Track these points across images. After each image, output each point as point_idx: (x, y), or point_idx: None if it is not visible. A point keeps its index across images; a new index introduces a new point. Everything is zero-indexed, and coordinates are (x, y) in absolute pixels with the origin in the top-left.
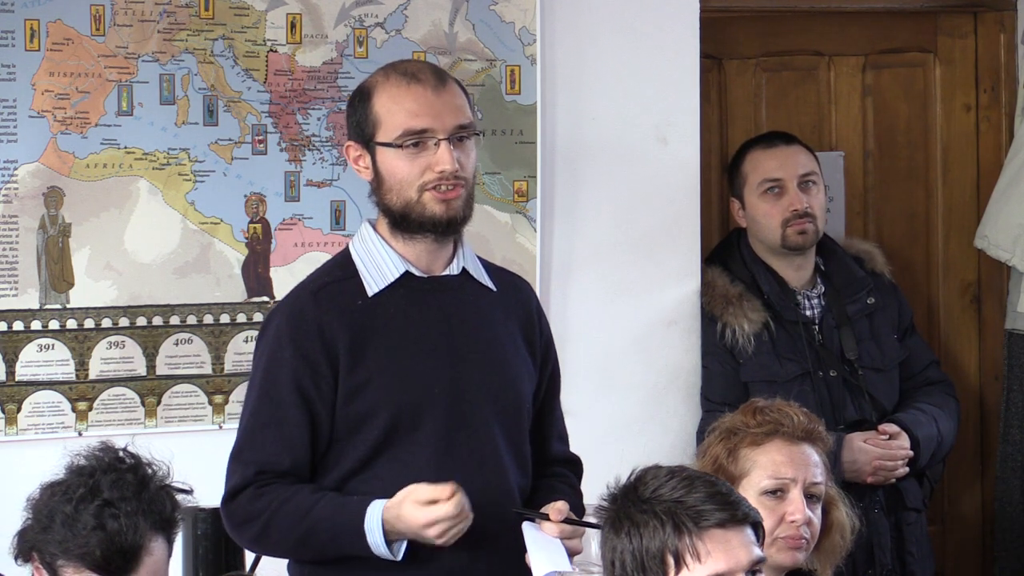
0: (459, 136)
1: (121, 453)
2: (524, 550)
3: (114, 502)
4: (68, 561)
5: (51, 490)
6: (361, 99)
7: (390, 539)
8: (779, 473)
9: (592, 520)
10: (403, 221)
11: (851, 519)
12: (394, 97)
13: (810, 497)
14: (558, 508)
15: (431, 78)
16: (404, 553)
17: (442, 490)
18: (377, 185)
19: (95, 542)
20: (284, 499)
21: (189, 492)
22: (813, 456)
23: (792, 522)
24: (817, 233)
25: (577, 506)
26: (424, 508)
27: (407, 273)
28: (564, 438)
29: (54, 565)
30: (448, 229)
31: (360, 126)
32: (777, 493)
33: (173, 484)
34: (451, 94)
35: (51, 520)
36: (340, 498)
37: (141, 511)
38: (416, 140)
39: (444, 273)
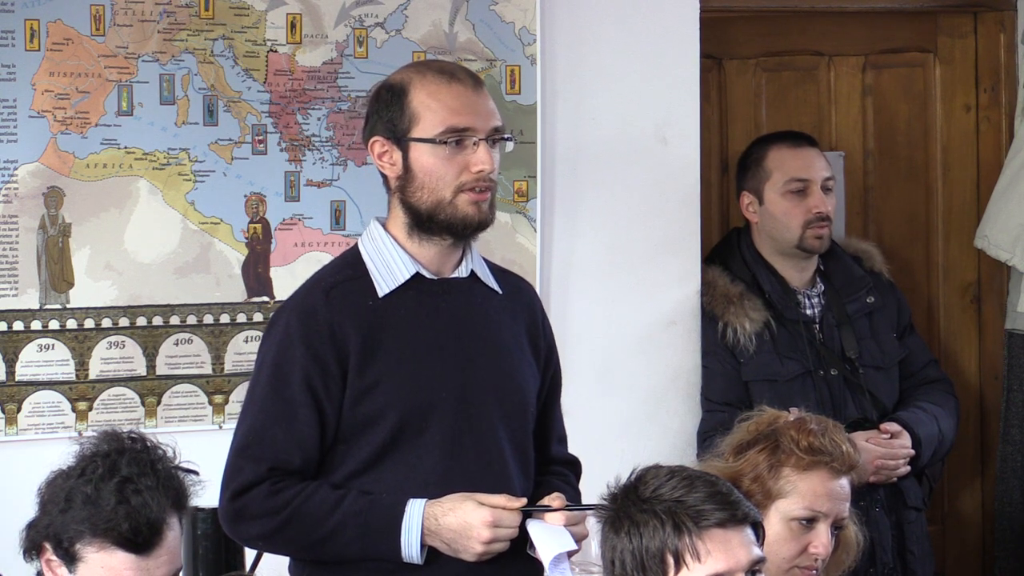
0: (494, 138)
1: (129, 437)
2: (529, 547)
3: (133, 478)
4: (94, 538)
5: (66, 474)
6: (393, 95)
7: (423, 542)
8: (816, 506)
9: (591, 503)
10: (429, 220)
11: (858, 537)
12: (434, 94)
13: (834, 528)
14: (557, 495)
15: (468, 78)
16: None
17: (508, 500)
18: (406, 182)
19: (122, 515)
20: (307, 495)
21: (196, 473)
22: (847, 489)
23: (814, 556)
24: (831, 237)
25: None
26: (487, 509)
27: (417, 274)
28: (563, 440)
29: (72, 549)
30: (475, 231)
31: (392, 122)
32: (805, 522)
33: (180, 464)
34: (486, 96)
35: (70, 502)
36: (369, 495)
37: (160, 486)
38: (458, 138)
39: (454, 275)
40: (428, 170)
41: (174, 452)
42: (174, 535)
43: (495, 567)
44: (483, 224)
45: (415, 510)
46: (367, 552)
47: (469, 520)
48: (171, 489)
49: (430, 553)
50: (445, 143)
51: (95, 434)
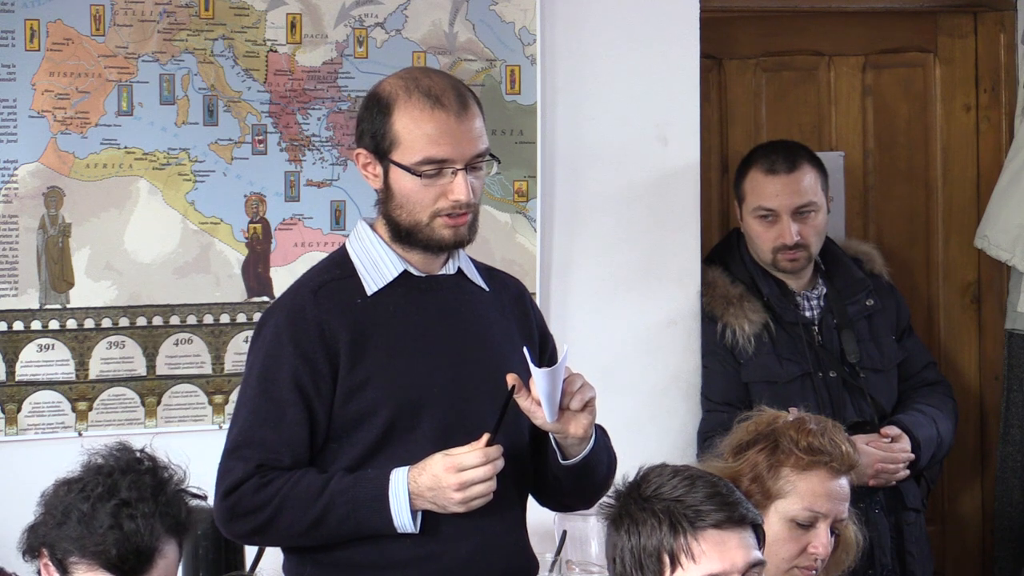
0: (475, 165)
1: (139, 454)
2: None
3: (131, 502)
4: (82, 558)
5: (67, 487)
6: (380, 111)
7: (413, 507)
8: (815, 506)
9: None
10: (408, 236)
11: (858, 536)
12: (416, 120)
13: (833, 530)
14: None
15: (454, 103)
16: (408, 545)
17: (476, 446)
18: (387, 198)
19: (112, 541)
20: (295, 481)
21: (203, 498)
22: (846, 489)
23: (814, 556)
24: (810, 259)
25: (605, 445)
26: (449, 457)
27: (405, 272)
28: None
29: (65, 562)
30: (452, 249)
31: (375, 138)
32: (805, 522)
33: (188, 488)
34: (472, 119)
35: (66, 517)
36: (355, 473)
37: (158, 513)
38: (435, 170)
39: (441, 272)
40: (406, 194)
41: (184, 474)
42: (166, 563)
43: (493, 559)
44: (460, 244)
45: (400, 478)
46: (360, 528)
47: (436, 473)
48: (169, 516)
49: (422, 550)
50: (421, 175)
51: (108, 445)
